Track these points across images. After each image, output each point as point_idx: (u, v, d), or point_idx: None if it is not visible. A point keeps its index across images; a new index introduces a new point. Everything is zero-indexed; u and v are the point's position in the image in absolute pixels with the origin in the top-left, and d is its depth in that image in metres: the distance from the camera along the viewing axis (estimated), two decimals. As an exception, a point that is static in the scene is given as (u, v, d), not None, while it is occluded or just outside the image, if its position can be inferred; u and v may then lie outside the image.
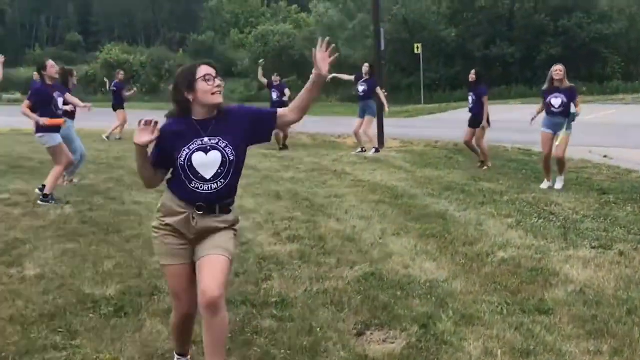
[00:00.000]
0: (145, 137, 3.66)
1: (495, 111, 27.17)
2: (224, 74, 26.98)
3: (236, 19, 71.31)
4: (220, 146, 3.75)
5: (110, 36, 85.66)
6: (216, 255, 3.75)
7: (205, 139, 3.75)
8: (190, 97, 3.77)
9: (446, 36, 40.83)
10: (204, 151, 3.73)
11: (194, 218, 3.78)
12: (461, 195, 10.04)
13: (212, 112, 3.81)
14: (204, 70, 3.77)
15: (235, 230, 3.98)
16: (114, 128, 19.37)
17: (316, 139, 18.71)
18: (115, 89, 19.57)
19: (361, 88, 15.65)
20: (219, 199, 3.81)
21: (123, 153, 15.37)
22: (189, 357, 4.25)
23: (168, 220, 3.82)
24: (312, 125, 23.84)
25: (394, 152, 15.68)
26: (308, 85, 3.85)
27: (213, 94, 3.75)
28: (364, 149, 15.77)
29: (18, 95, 47.22)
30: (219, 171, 3.75)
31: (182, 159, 3.72)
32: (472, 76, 13.36)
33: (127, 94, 19.80)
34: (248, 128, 3.86)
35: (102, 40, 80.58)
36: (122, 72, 20.25)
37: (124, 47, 54.85)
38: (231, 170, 3.78)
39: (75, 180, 11.14)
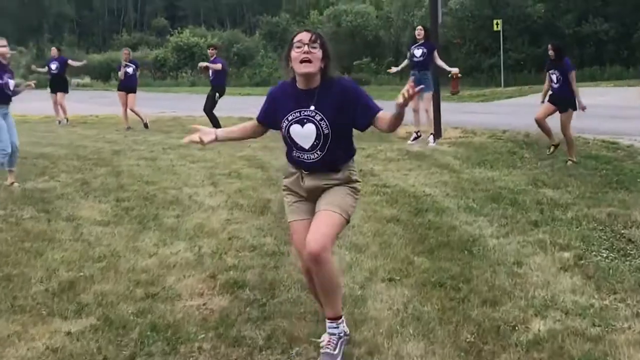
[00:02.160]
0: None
1: (583, 94, 23.97)
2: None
3: (316, 0, 69.08)
4: (315, 119, 3.78)
5: (195, 20, 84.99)
6: (326, 211, 3.82)
7: (303, 110, 3.79)
8: (291, 65, 3.78)
9: (533, 12, 37.30)
10: (300, 123, 3.81)
11: (302, 178, 3.93)
12: (509, 210, 7.44)
13: (311, 81, 3.78)
14: (298, 37, 3.76)
15: (353, 188, 3.97)
16: (123, 116, 17.18)
17: (364, 128, 16.17)
18: (118, 69, 17.60)
19: (418, 52, 12.98)
20: (323, 166, 3.87)
21: (130, 145, 13.28)
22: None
23: (285, 181, 4.04)
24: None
25: (447, 144, 13.04)
26: (397, 118, 3.74)
27: (300, 62, 3.69)
28: (419, 134, 13.23)
29: (87, 80, 46.43)
30: (315, 143, 3.81)
31: (283, 129, 3.87)
32: (551, 51, 10.66)
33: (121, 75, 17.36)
34: (348, 112, 3.81)
35: (187, 25, 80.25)
36: (127, 51, 18.06)
37: (195, 30, 53.20)
38: (327, 143, 3.80)
39: (15, 184, 8.98)
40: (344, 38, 41.59)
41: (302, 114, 3.79)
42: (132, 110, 17.05)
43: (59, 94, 18.78)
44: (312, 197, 3.94)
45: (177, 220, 7.10)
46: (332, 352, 3.83)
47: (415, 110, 13.26)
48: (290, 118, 3.82)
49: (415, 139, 13.26)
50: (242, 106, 18.85)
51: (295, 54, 3.73)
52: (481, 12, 37.69)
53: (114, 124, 18.09)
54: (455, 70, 13.15)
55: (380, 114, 3.80)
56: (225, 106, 16.50)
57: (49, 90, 19.17)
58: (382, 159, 11.30)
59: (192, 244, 6.15)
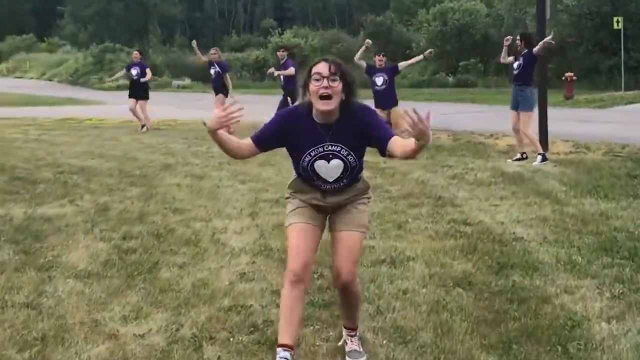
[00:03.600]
0: (215, 124, 3.45)
1: None
2: (402, 57, 22.80)
3: (425, -1, 66.79)
4: (342, 154, 3.62)
5: (304, 21, 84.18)
6: (350, 231, 3.73)
7: (327, 145, 3.60)
8: (309, 96, 3.57)
9: (659, 8, 33.90)
10: (325, 159, 3.63)
11: (324, 196, 3.74)
12: (627, 268, 5.45)
13: (330, 116, 3.58)
14: (316, 68, 3.54)
15: (368, 197, 3.87)
16: None
17: (459, 139, 14.19)
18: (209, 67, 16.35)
19: (516, 63, 11.22)
20: (346, 187, 3.74)
21: (187, 158, 11.81)
22: (292, 351, 3.61)
23: (299, 196, 3.78)
24: (471, 117, 19.35)
25: (552, 163, 10.92)
26: (414, 147, 3.33)
27: (320, 97, 3.50)
28: (524, 155, 11.18)
29: (188, 81, 45.90)
30: (341, 176, 3.68)
31: (304, 163, 3.65)
32: None
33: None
34: (365, 138, 3.62)
35: (295, 25, 79.61)
36: (215, 51, 16.74)
37: (298, 31, 51.98)
38: (354, 172, 3.71)
39: None
40: (449, 37, 39.31)
41: (325, 149, 3.62)
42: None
43: (141, 102, 17.67)
44: (330, 210, 3.81)
45: (179, 271, 5.45)
46: (359, 349, 3.88)
47: (516, 130, 11.26)
48: (313, 154, 3.63)
49: (518, 159, 11.19)
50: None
51: (313, 87, 3.52)
52: (600, 8, 34.61)
53: (186, 131, 16.78)
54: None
55: (392, 140, 3.55)
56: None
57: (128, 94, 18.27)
58: (470, 181, 9.34)
59: (174, 317, 4.46)
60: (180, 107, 25.12)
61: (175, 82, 45.47)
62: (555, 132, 13.02)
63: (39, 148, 13.35)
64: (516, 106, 11.19)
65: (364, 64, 12.79)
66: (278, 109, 13.59)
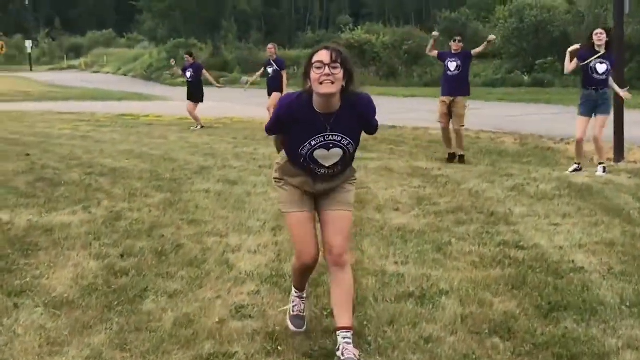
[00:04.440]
0: None
1: None
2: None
3: (504, -5, 64.86)
4: (342, 144, 3.71)
5: (380, 17, 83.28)
6: (341, 211, 3.84)
7: (328, 135, 3.66)
8: (310, 84, 3.58)
9: None
10: (325, 148, 3.70)
11: (314, 182, 3.82)
12: None
13: (330, 103, 3.60)
14: (317, 56, 3.54)
15: (354, 179, 4.00)
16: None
17: (526, 143, 13.08)
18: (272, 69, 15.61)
19: (602, 68, 9.67)
20: (339, 173, 3.84)
21: (227, 160, 11.04)
22: (304, 294, 4.18)
23: (288, 179, 3.86)
24: (544, 119, 18.10)
25: (626, 173, 9.76)
26: None
27: (320, 83, 3.50)
28: (579, 167, 10.05)
29: (258, 78, 45.47)
30: (338, 161, 3.76)
31: (303, 151, 3.70)
32: None
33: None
34: (362, 126, 3.81)
35: (370, 22, 78.75)
36: (273, 46, 16.00)
37: (372, 27, 50.95)
38: (348, 157, 3.81)
39: None
40: (526, 34, 37.67)
41: (326, 139, 3.69)
42: (268, 110, 15.28)
43: (191, 104, 17.13)
44: (318, 195, 3.89)
45: (167, 302, 4.65)
46: (356, 357, 3.63)
47: (579, 142, 10.00)
48: (313, 143, 3.69)
49: (575, 170, 10.02)
50: (399, 111, 16.09)
51: (315, 75, 3.52)
52: (688, 4, 32.61)
53: (238, 130, 16.17)
54: (626, 94, 10.00)
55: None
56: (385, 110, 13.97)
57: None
58: (531, 194, 8.28)
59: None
60: (240, 103, 24.51)
61: (244, 79, 45.12)
62: (633, 138, 11.82)
63: (80, 146, 12.84)
64: (592, 111, 9.88)
65: (435, 52, 11.79)
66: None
